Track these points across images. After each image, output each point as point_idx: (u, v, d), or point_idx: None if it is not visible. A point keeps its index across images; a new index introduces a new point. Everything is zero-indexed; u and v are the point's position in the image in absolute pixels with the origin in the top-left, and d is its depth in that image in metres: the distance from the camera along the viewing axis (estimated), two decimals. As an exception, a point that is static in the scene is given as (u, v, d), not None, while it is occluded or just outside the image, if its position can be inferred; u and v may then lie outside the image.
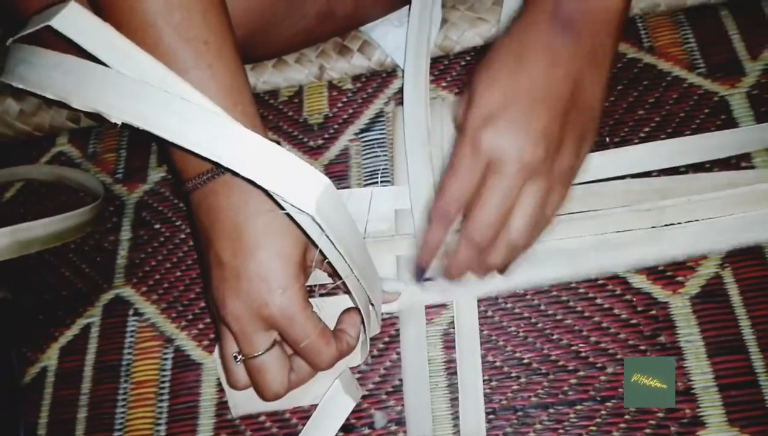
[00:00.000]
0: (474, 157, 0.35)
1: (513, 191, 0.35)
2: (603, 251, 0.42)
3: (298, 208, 0.30)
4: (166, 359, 0.45)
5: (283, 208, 0.32)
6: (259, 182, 0.31)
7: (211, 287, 0.37)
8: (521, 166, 0.34)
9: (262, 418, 0.42)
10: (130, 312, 0.47)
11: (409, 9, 0.50)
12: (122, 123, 0.32)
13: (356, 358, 0.42)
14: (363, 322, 0.39)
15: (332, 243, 0.33)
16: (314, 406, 0.40)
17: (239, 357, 0.37)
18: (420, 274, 0.41)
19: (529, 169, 0.34)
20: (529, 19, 0.37)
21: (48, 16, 0.32)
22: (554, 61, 0.35)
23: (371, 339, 0.42)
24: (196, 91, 0.33)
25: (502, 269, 0.39)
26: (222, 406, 0.43)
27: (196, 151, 0.31)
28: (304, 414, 0.41)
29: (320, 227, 0.31)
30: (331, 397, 0.39)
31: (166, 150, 0.36)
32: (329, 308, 0.41)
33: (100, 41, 0.32)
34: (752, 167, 0.44)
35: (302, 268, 0.36)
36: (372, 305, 0.40)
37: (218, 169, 0.35)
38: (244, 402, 0.41)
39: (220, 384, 0.43)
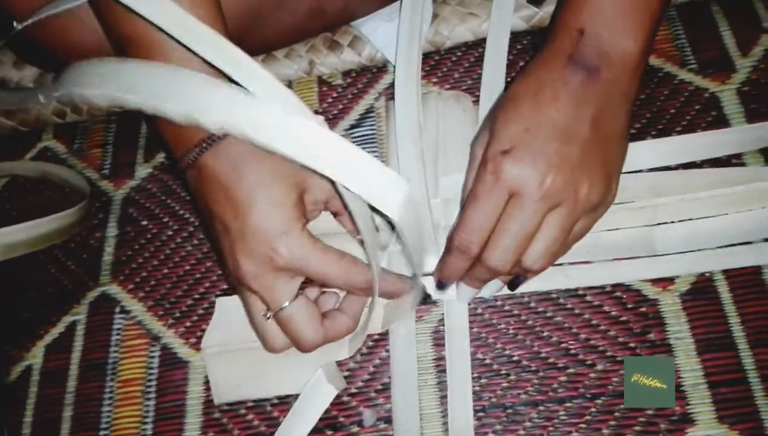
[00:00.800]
0: (495, 187, 0.35)
1: (534, 220, 0.35)
2: (595, 250, 0.42)
3: (382, 212, 0.33)
4: (152, 357, 0.45)
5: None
6: (346, 186, 0.32)
7: (224, 256, 0.37)
8: (542, 195, 0.34)
9: (250, 416, 0.42)
10: (117, 310, 0.47)
11: (401, 4, 0.49)
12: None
13: (343, 352, 0.42)
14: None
15: (403, 243, 0.36)
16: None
17: (269, 314, 0.37)
18: (443, 286, 0.41)
19: (549, 197, 0.34)
20: (547, 57, 0.37)
21: None
22: (573, 97, 0.36)
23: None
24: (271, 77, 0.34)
25: (514, 286, 0.40)
26: (209, 404, 0.42)
27: (290, 155, 0.32)
28: (289, 409, 0.41)
29: (399, 230, 0.34)
30: (314, 385, 0.40)
31: (159, 132, 0.37)
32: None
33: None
34: (743, 165, 0.44)
35: (301, 211, 0.36)
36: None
37: (207, 141, 0.35)
38: (226, 390, 0.41)
39: (207, 382, 0.43)
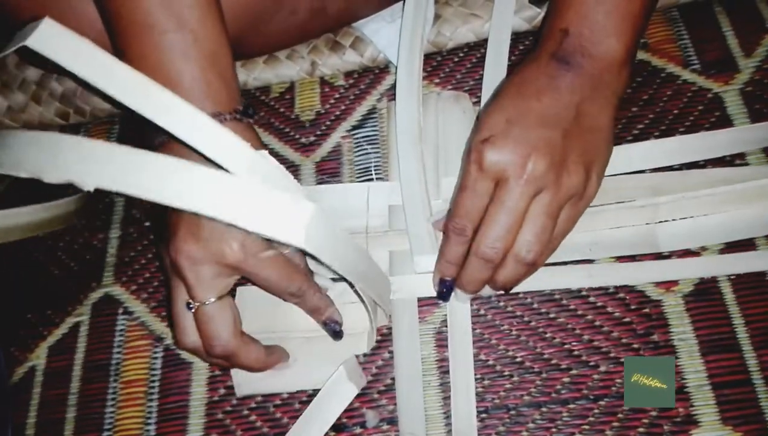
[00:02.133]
0: (480, 175, 0.36)
1: (519, 205, 0.35)
2: (597, 248, 0.42)
3: (288, 244, 0.31)
4: (155, 358, 0.45)
5: None
6: (242, 226, 0.31)
7: (168, 236, 0.36)
8: (525, 179, 0.35)
9: (253, 417, 0.42)
10: (120, 311, 0.47)
11: (403, 5, 0.49)
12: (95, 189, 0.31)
13: (362, 345, 0.42)
14: (369, 311, 0.40)
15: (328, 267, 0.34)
16: (307, 402, 0.40)
17: (192, 305, 0.36)
18: (446, 292, 0.41)
19: (532, 181, 0.35)
20: (533, 57, 0.39)
21: (23, 35, 0.31)
22: (556, 89, 0.37)
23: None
24: (179, 99, 0.32)
25: (508, 287, 0.39)
26: (212, 405, 0.42)
27: (175, 205, 0.31)
28: (295, 412, 0.41)
29: (311, 255, 0.32)
30: (335, 383, 0.40)
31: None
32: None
33: (79, 57, 0.31)
34: (746, 165, 0.44)
35: None
36: (382, 308, 0.41)
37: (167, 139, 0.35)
38: (247, 382, 0.41)
39: (210, 383, 0.43)
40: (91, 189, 0.31)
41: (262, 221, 0.31)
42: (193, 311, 0.36)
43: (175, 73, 0.35)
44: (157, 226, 0.38)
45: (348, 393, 0.40)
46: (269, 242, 0.36)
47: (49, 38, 0.31)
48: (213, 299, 0.36)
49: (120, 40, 0.36)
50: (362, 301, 0.39)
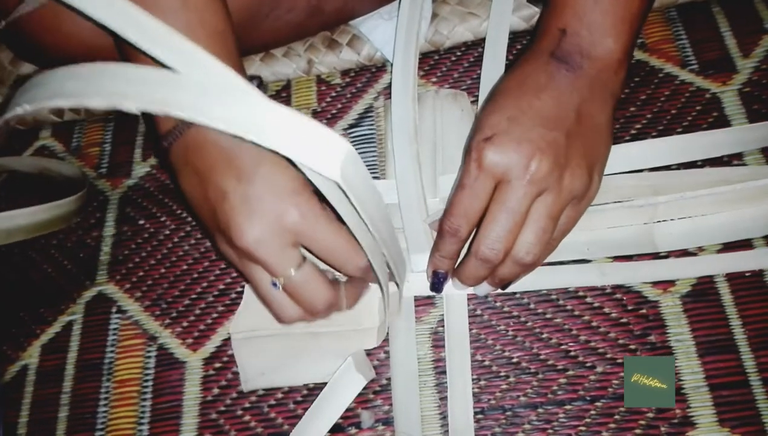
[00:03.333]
0: (480, 174, 0.35)
1: (522, 206, 0.35)
2: (595, 248, 0.42)
3: (322, 175, 0.30)
4: (149, 357, 0.44)
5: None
6: (280, 152, 0.30)
7: (222, 226, 0.34)
8: (528, 179, 0.34)
9: (247, 417, 0.41)
10: (113, 309, 0.46)
11: (399, 3, 0.49)
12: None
13: (372, 340, 0.41)
14: (383, 301, 0.39)
15: (357, 212, 0.32)
16: (302, 402, 0.40)
17: (278, 283, 0.35)
18: (438, 284, 0.41)
19: (536, 182, 0.34)
20: (531, 55, 0.39)
21: None
22: (556, 88, 0.36)
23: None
24: (202, 50, 0.31)
25: (505, 285, 0.39)
26: (205, 405, 0.42)
27: (213, 125, 0.30)
28: (289, 412, 0.41)
29: (345, 193, 0.30)
30: (343, 374, 0.39)
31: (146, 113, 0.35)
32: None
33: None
34: (744, 165, 0.43)
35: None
36: (397, 284, 0.40)
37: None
38: (254, 377, 0.41)
39: (204, 383, 0.43)
40: (135, 111, 0.30)
41: (297, 147, 0.30)
42: (280, 288, 0.35)
43: None
44: (203, 224, 0.37)
45: (356, 384, 0.40)
46: (324, 206, 0.34)
47: None
48: (294, 271, 0.34)
49: None
50: (378, 282, 0.38)
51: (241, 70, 0.36)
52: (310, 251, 0.35)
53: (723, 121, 0.45)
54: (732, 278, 0.41)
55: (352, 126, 0.50)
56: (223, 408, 0.42)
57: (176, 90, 0.31)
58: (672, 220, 0.41)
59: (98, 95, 0.31)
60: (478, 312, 0.42)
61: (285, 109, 0.30)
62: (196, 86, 0.31)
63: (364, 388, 0.41)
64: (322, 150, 0.29)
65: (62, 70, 0.33)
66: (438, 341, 0.42)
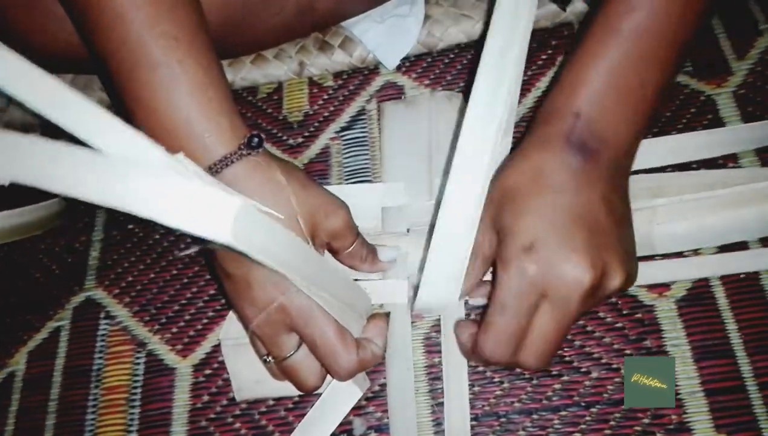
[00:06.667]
0: (525, 292, 0.32)
1: (571, 323, 0.32)
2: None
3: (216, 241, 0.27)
4: (138, 363, 0.44)
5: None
6: (163, 223, 0.26)
7: (229, 299, 0.37)
8: (581, 295, 0.31)
9: (237, 425, 0.41)
10: (102, 315, 0.46)
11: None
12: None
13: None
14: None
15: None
16: (293, 409, 0.39)
17: (269, 359, 0.37)
18: None
19: (591, 297, 0.32)
20: (543, 140, 0.35)
21: None
22: (577, 180, 0.33)
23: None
24: (110, 116, 0.29)
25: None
26: (195, 412, 0.41)
27: (89, 199, 0.27)
28: (280, 420, 0.40)
29: (242, 253, 0.27)
30: (338, 386, 0.39)
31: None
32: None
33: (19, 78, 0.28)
34: (739, 167, 0.43)
35: None
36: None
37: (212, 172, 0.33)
38: (247, 387, 0.41)
39: (193, 390, 0.42)
40: (6, 183, 0.28)
41: (182, 214, 0.26)
42: (271, 363, 0.38)
43: (169, 117, 0.33)
44: (220, 283, 0.38)
45: (351, 396, 0.39)
46: (316, 303, 0.35)
47: None
48: (289, 354, 0.36)
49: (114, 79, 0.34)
50: (386, 316, 0.39)
51: (231, 118, 0.35)
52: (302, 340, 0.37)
53: (718, 123, 0.45)
54: (727, 281, 0.40)
55: (344, 129, 0.49)
56: (213, 415, 0.41)
57: (49, 162, 0.27)
58: (671, 222, 0.41)
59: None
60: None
61: (174, 179, 0.26)
62: (71, 158, 0.27)
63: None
64: (209, 215, 0.26)
65: None
66: (431, 347, 0.41)
